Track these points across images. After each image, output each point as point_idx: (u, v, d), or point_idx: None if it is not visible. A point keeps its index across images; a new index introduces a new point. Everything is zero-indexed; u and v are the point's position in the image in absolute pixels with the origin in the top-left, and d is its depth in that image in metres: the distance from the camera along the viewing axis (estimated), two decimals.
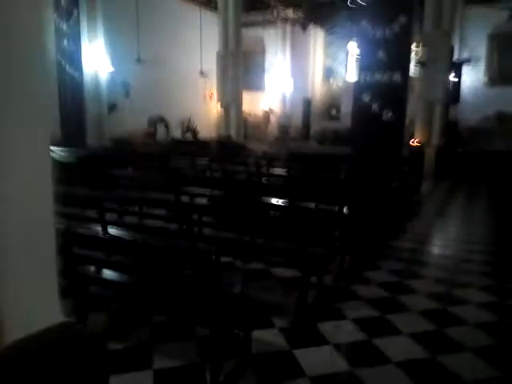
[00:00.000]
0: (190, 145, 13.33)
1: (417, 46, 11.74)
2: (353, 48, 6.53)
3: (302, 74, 17.90)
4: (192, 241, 3.58)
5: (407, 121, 14.12)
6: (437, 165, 11.32)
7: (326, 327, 3.04)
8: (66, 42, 9.79)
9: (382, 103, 5.81)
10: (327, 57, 18.28)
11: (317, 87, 18.68)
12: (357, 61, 6.10)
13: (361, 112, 6.05)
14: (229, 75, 13.76)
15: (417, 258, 4.72)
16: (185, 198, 4.77)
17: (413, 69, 14.30)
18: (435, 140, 11.40)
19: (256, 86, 17.98)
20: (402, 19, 5.61)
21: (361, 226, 4.94)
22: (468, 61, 13.51)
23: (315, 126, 17.74)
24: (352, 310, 3.33)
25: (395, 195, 6.30)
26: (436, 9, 10.88)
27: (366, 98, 5.88)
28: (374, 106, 5.85)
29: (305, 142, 16.54)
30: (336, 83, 17.92)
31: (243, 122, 15.48)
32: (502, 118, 13.52)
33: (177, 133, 14.75)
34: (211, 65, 14.11)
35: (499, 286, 3.93)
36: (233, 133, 14.12)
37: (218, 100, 14.28)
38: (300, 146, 14.63)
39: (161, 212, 4.32)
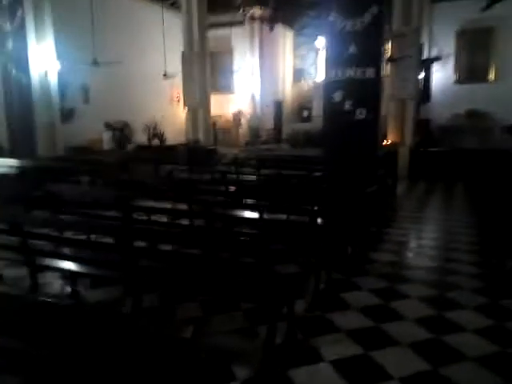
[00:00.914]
0: (156, 151, 12.58)
1: (386, 43, 11.49)
2: (321, 44, 6.11)
3: (273, 76, 17.46)
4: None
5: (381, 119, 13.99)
6: (411, 165, 11.05)
7: (300, 376, 2.48)
8: (10, 43, 8.91)
9: (354, 101, 5.34)
10: (297, 58, 17.93)
11: (288, 89, 18.28)
12: (326, 57, 5.60)
13: (332, 111, 5.56)
14: (195, 77, 13.14)
15: (400, 273, 4.23)
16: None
17: (383, 66, 14.12)
18: (408, 139, 11.13)
19: (225, 87, 17.41)
20: (374, 10, 5.16)
21: (337, 237, 4.44)
22: (437, 59, 13.36)
23: (287, 129, 17.31)
24: (330, 347, 2.78)
25: (373, 200, 5.84)
26: (405, 5, 10.65)
27: (337, 96, 5.40)
28: (346, 105, 5.37)
29: (277, 144, 16.06)
30: (307, 84, 17.56)
31: (212, 125, 14.88)
32: (471, 115, 13.45)
33: (143, 138, 13.99)
34: (177, 66, 13.45)
35: (494, 304, 3.48)
36: (201, 137, 13.49)
37: (185, 103, 13.62)
38: (272, 148, 14.14)
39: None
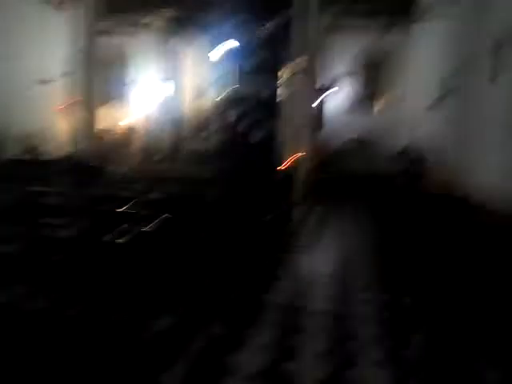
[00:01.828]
0: (28, 167, 10.79)
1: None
2: (218, 58, 5.71)
3: (173, 91, 16.61)
4: None
5: (278, 142, 14.05)
6: (307, 189, 11.11)
7: None
8: None
9: (250, 122, 4.87)
10: (199, 74, 17.36)
11: (188, 105, 17.57)
12: (221, 74, 5.08)
13: (227, 131, 5.02)
14: (80, 85, 11.75)
15: (296, 322, 3.75)
16: None
17: (283, 90, 14.34)
18: (304, 164, 11.20)
19: (117, 99, 16.04)
20: (284, 14, 4.80)
21: (226, 278, 3.83)
22: (332, 87, 13.95)
23: (186, 147, 16.53)
24: None
25: (269, 230, 5.41)
26: (301, 34, 10.84)
27: (232, 115, 4.88)
28: (242, 125, 4.87)
29: (174, 163, 15.17)
30: (208, 101, 17.01)
31: (99, 139, 13.47)
32: (361, 142, 14.24)
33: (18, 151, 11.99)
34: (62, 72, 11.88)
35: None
36: (85, 152, 12.02)
37: (67, 114, 12.07)
38: (167, 168, 13.23)
39: None
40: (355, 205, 10.26)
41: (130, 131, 15.28)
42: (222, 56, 5.35)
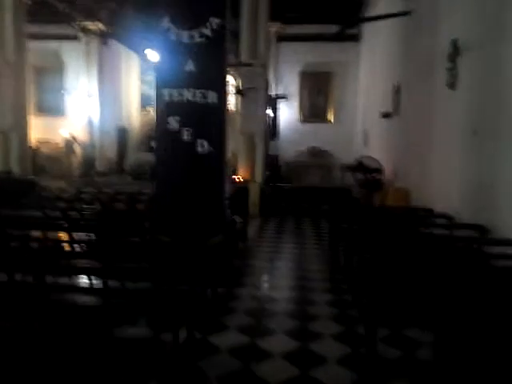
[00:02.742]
0: None
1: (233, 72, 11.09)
2: (154, 58, 4.99)
3: (115, 100, 15.57)
4: None
5: (229, 155, 13.44)
6: (262, 201, 10.57)
7: None
8: None
9: (194, 131, 4.21)
10: (144, 83, 16.46)
11: (134, 115, 16.58)
12: (157, 75, 4.37)
13: (167, 141, 4.31)
14: (6, 94, 10.51)
15: (245, 367, 3.09)
16: None
17: (233, 101, 13.84)
18: (259, 175, 10.67)
19: (54, 109, 14.73)
20: (214, 22, 4.19)
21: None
22: (283, 97, 13.63)
23: (131, 159, 15.50)
24: None
25: (218, 253, 4.72)
26: (251, 41, 10.41)
27: (173, 123, 4.19)
28: (185, 135, 4.19)
29: (118, 176, 14.09)
30: (150, 111, 16.13)
31: (32, 152, 12.18)
32: (314, 153, 14.00)
33: None
34: None
35: None
36: (15, 166, 10.75)
37: None
38: (111, 181, 12.20)
39: None
40: (311, 215, 9.93)
41: (69, 142, 14.03)
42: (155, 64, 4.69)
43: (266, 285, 5.30)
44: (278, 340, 3.51)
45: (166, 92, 4.29)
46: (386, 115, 8.73)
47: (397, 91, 8.12)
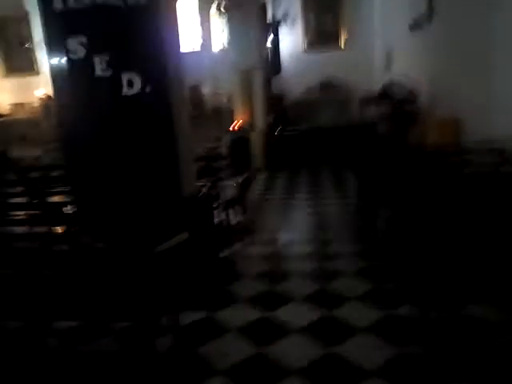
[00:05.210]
0: None
1: None
2: None
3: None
4: None
5: (227, 97, 11.47)
6: (267, 152, 8.85)
7: None
8: None
9: (113, 58, 2.45)
10: None
11: None
12: None
13: (72, 80, 2.58)
14: None
15: None
16: None
17: (223, 38, 11.63)
18: (260, 121, 8.86)
19: (25, 67, 12.90)
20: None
21: None
22: (283, 21, 11.31)
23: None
24: None
25: (179, 259, 3.03)
26: None
27: (74, 45, 2.44)
28: (98, 67, 2.44)
29: None
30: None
31: (4, 118, 10.63)
32: (326, 87, 11.87)
33: None
34: None
35: None
36: None
37: None
38: None
39: None
40: (329, 163, 8.25)
41: (45, 103, 12.30)
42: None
43: None
44: None
45: None
46: (417, 23, 6.62)
47: None
